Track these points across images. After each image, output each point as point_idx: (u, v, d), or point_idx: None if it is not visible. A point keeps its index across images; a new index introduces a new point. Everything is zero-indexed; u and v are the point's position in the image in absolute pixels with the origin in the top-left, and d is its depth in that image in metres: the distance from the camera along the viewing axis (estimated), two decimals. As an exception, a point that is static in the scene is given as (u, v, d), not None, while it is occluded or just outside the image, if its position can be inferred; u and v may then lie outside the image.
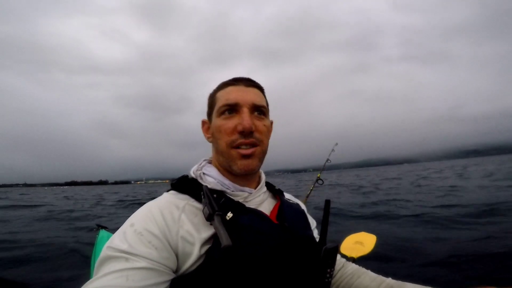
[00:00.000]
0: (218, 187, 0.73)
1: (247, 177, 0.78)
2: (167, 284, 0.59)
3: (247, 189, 0.77)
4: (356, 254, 2.34)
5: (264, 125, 0.76)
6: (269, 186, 0.88)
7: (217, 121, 0.75)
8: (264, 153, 0.78)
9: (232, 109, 0.74)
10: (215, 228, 0.60)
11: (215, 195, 0.69)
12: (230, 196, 0.73)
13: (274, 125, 0.87)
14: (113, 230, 1.52)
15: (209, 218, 0.62)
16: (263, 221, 0.70)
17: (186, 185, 0.74)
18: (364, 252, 2.36)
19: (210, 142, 0.81)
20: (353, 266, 0.92)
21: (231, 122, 0.73)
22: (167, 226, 0.63)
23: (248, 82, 0.78)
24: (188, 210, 0.67)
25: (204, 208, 0.65)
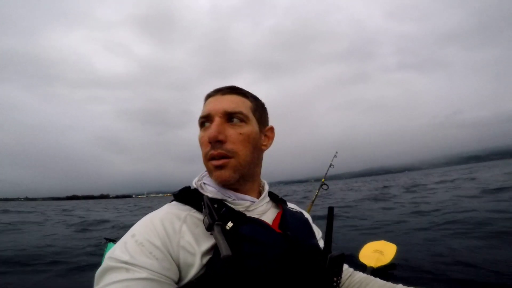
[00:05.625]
0: (219, 196, 0.71)
1: (240, 187, 0.75)
2: None
3: (248, 197, 0.75)
4: (375, 263, 2.27)
5: (240, 133, 0.71)
6: (272, 196, 0.87)
7: (199, 133, 0.76)
8: (241, 164, 0.71)
9: (208, 120, 0.73)
10: (215, 238, 0.60)
11: (215, 205, 0.68)
12: (231, 206, 0.71)
13: (276, 135, 0.84)
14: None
15: (209, 228, 0.62)
16: (264, 231, 0.68)
17: (187, 196, 0.73)
18: (383, 262, 2.29)
19: None
20: (360, 275, 0.90)
21: (205, 134, 0.72)
22: (168, 236, 0.62)
23: (227, 90, 0.75)
24: (190, 221, 0.66)
25: (204, 218, 0.64)
